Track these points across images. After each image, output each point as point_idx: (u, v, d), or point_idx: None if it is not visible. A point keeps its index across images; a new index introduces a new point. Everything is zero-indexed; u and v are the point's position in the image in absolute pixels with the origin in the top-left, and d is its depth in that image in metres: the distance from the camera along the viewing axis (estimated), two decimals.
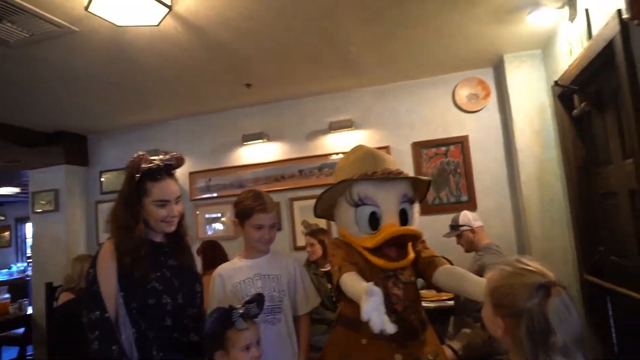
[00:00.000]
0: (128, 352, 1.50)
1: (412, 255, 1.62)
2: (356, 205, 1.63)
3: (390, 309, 1.53)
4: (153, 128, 4.54)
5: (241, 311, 1.52)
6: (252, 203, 1.87)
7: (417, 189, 1.71)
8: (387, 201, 1.60)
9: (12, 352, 4.86)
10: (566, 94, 2.87)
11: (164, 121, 4.50)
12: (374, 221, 1.61)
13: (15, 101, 3.60)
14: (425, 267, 1.65)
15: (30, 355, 4.49)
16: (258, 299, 1.59)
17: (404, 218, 1.63)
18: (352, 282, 1.48)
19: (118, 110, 4.08)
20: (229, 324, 1.51)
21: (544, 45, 3.25)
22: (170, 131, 4.49)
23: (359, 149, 1.79)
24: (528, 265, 1.02)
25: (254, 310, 1.56)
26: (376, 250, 1.58)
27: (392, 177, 1.62)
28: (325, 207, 1.76)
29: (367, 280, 1.57)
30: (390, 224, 1.58)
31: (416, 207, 1.71)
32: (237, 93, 3.86)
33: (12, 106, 3.71)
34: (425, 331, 1.63)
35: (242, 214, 1.88)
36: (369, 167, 1.64)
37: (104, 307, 1.50)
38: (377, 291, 1.21)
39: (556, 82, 2.82)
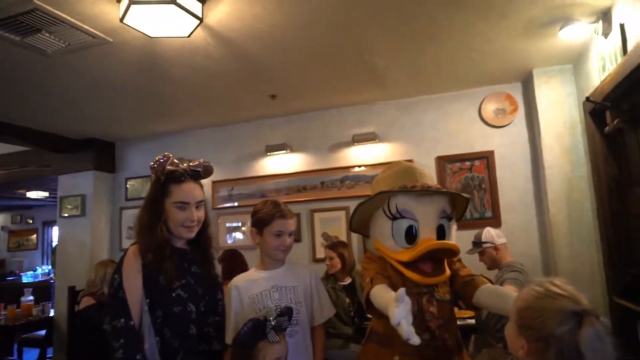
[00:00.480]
0: None
1: (448, 272, 1.59)
2: (394, 218, 1.62)
3: (424, 327, 1.51)
4: (179, 136, 4.62)
5: (274, 323, 1.50)
6: (271, 210, 1.85)
7: (455, 206, 1.69)
8: (426, 215, 1.59)
9: (33, 353, 4.95)
10: (598, 110, 2.80)
11: (189, 130, 4.57)
12: (411, 235, 1.59)
13: (49, 109, 3.72)
14: (464, 286, 1.61)
15: (50, 357, 4.55)
16: (288, 313, 1.57)
17: (442, 234, 1.60)
18: (382, 293, 1.46)
19: (146, 118, 4.17)
20: (262, 335, 1.49)
21: (575, 61, 3.19)
22: (195, 140, 4.56)
23: (398, 163, 1.80)
24: (561, 288, 0.97)
25: (285, 323, 1.54)
26: (411, 265, 1.56)
27: (432, 191, 1.60)
28: (360, 221, 1.75)
29: None
30: (427, 239, 1.56)
31: (454, 225, 1.70)
32: (262, 104, 3.90)
33: (46, 113, 3.83)
34: (460, 352, 1.59)
35: (261, 222, 1.86)
36: (409, 181, 1.63)
37: (130, 315, 1.49)
38: (407, 299, 1.19)
39: (587, 98, 2.76)
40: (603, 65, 2.60)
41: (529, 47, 2.96)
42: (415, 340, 1.16)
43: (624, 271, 2.69)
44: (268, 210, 1.85)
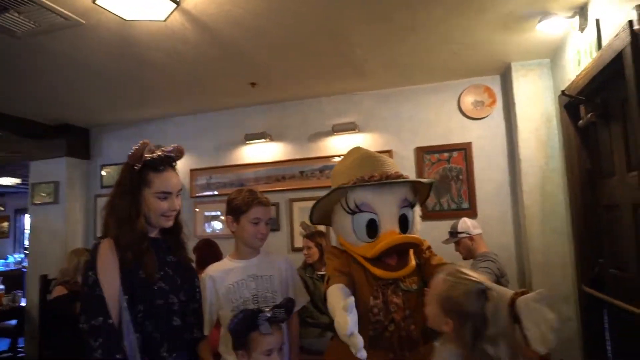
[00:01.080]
0: (131, 358, 1.44)
1: (413, 263, 1.56)
2: (353, 212, 1.56)
3: (389, 318, 1.50)
4: (156, 124, 4.53)
5: (268, 315, 1.48)
6: (248, 197, 1.84)
7: (418, 193, 1.66)
8: (386, 207, 1.53)
9: (3, 343, 4.85)
10: (573, 104, 2.85)
11: (167, 117, 4.49)
12: (373, 229, 1.54)
13: (20, 92, 3.59)
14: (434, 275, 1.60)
15: (21, 347, 4.46)
16: (287, 305, 1.54)
17: (405, 224, 1.57)
18: (334, 298, 1.42)
19: (121, 104, 4.07)
20: (253, 326, 1.47)
21: (553, 55, 3.24)
22: (173, 127, 4.48)
23: (355, 151, 1.70)
24: (468, 274, 1.24)
25: (282, 315, 1.51)
26: (375, 260, 1.53)
27: (391, 181, 1.53)
28: (323, 215, 1.71)
29: (367, 289, 1.54)
30: (389, 232, 1.52)
31: (418, 211, 1.65)
32: (241, 92, 3.85)
33: (16, 97, 3.70)
34: (427, 343, 1.54)
35: (238, 210, 1.84)
36: (367, 171, 1.56)
37: (108, 313, 1.42)
38: (355, 310, 1.22)
39: (563, 92, 2.80)
40: (579, 59, 2.65)
41: (507, 40, 2.98)
42: (363, 354, 1.18)
43: (593, 262, 2.77)
44: (245, 198, 1.84)
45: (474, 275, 1.24)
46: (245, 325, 1.47)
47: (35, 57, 2.92)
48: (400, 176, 1.57)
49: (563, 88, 2.88)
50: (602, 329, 2.76)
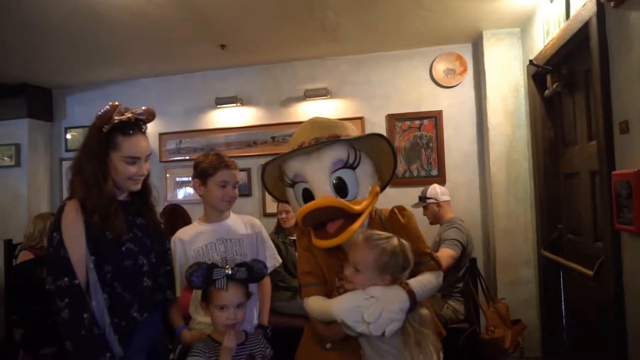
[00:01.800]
0: (99, 318, 1.46)
1: (354, 226, 1.42)
2: (291, 185, 1.51)
3: (341, 287, 1.46)
4: (122, 86, 4.38)
5: (225, 272, 1.50)
6: (215, 160, 1.84)
7: (366, 151, 1.51)
8: (315, 174, 1.44)
9: None
10: (540, 74, 2.90)
11: (133, 79, 4.34)
12: (309, 198, 1.46)
13: None
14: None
15: None
16: (251, 266, 1.55)
17: (342, 187, 1.45)
18: (316, 302, 1.46)
19: (84, 64, 3.90)
20: (210, 281, 1.50)
21: (523, 24, 3.26)
22: (140, 90, 4.34)
23: (307, 120, 1.60)
24: (380, 235, 1.41)
25: (241, 274, 1.52)
26: (316, 230, 1.48)
27: (310, 146, 1.43)
28: (282, 193, 1.64)
29: (332, 267, 1.51)
30: (322, 199, 1.42)
31: (366, 170, 1.50)
32: (211, 54, 3.74)
33: None
34: None
35: (205, 173, 1.85)
36: (301, 140, 1.48)
37: (74, 273, 1.43)
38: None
39: (531, 62, 2.85)
40: (547, 30, 2.68)
41: (479, 7, 2.98)
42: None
43: (553, 227, 2.90)
44: (212, 161, 1.84)
45: (385, 233, 1.43)
46: (204, 279, 1.50)
47: None
48: (332, 137, 1.45)
49: (531, 58, 2.93)
50: (558, 290, 2.93)
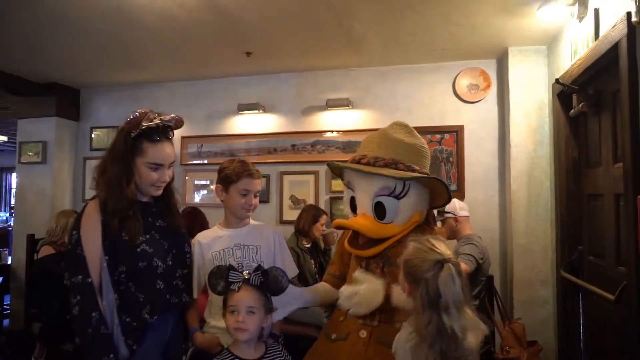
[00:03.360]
0: (109, 318, 1.48)
1: (382, 247, 1.56)
2: (345, 185, 1.70)
3: None
4: (148, 88, 4.47)
5: (246, 277, 1.50)
6: (239, 168, 1.85)
7: (420, 187, 1.58)
8: (362, 192, 1.60)
9: None
10: (566, 93, 2.87)
11: (159, 82, 4.43)
12: (354, 206, 1.65)
13: (9, 47, 3.50)
14: None
15: (7, 304, 4.49)
16: (267, 272, 1.52)
17: (380, 210, 1.56)
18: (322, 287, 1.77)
19: (113, 66, 3.99)
20: (229, 285, 1.50)
21: (550, 42, 3.23)
22: (165, 93, 4.42)
23: (382, 128, 1.69)
24: (434, 245, 1.30)
25: (255, 279, 1.51)
26: (351, 236, 1.67)
27: (360, 169, 1.56)
28: None
29: (357, 259, 1.66)
30: (361, 214, 1.60)
31: (408, 203, 1.56)
32: (236, 61, 3.80)
33: (4, 53, 3.61)
34: (407, 319, 1.55)
35: (228, 179, 1.86)
36: (365, 151, 1.62)
37: (87, 272, 1.47)
38: None
39: (557, 80, 2.82)
40: (575, 49, 2.65)
41: (506, 24, 2.97)
42: None
43: (573, 248, 2.85)
44: (236, 168, 1.85)
45: (440, 247, 1.30)
46: (216, 277, 1.51)
47: (26, 11, 2.84)
48: (389, 164, 1.53)
49: (557, 76, 2.90)
50: (577, 313, 2.87)
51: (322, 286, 1.78)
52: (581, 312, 2.84)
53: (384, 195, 1.55)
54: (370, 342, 1.51)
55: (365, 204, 1.58)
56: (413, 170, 1.54)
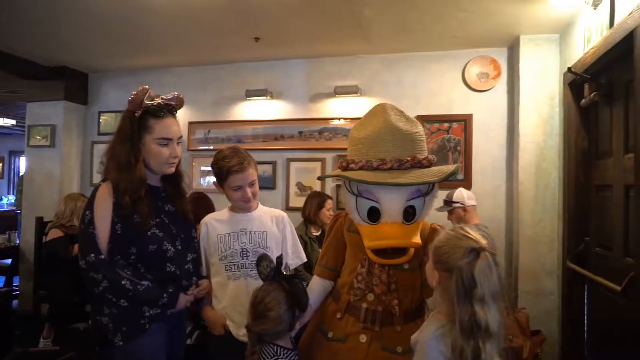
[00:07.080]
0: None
1: (410, 253, 1.47)
2: (356, 195, 1.48)
3: (369, 289, 1.52)
4: (157, 73, 4.46)
5: (286, 273, 1.52)
6: (226, 164, 1.80)
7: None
8: (391, 199, 1.42)
9: None
10: (577, 82, 2.83)
11: (167, 67, 4.42)
12: (374, 214, 1.45)
13: (20, 31, 3.50)
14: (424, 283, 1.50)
15: (16, 285, 4.56)
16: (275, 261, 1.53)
17: (410, 214, 1.46)
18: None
19: (121, 50, 3.99)
20: (280, 270, 1.51)
21: (562, 30, 3.18)
22: (173, 78, 4.41)
23: (379, 115, 1.49)
24: (468, 232, 1.21)
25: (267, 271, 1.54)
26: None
27: (394, 183, 1.37)
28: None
29: (359, 254, 1.56)
30: (391, 222, 1.43)
31: (431, 197, 1.51)
32: (245, 46, 3.78)
33: (14, 35, 3.61)
34: (408, 322, 1.52)
35: (219, 177, 1.86)
36: (378, 152, 1.41)
37: (99, 250, 1.51)
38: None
39: (569, 69, 2.78)
40: (589, 37, 2.61)
41: (518, 11, 2.92)
42: None
43: (580, 239, 2.83)
44: (222, 166, 1.81)
45: (475, 234, 1.20)
46: (276, 271, 1.51)
47: None
48: (415, 164, 1.40)
49: (570, 65, 2.86)
50: (582, 304, 2.86)
51: (317, 287, 1.67)
52: (586, 303, 2.84)
53: (415, 198, 1.44)
54: (370, 347, 1.48)
55: (394, 212, 1.42)
56: (431, 161, 1.45)
